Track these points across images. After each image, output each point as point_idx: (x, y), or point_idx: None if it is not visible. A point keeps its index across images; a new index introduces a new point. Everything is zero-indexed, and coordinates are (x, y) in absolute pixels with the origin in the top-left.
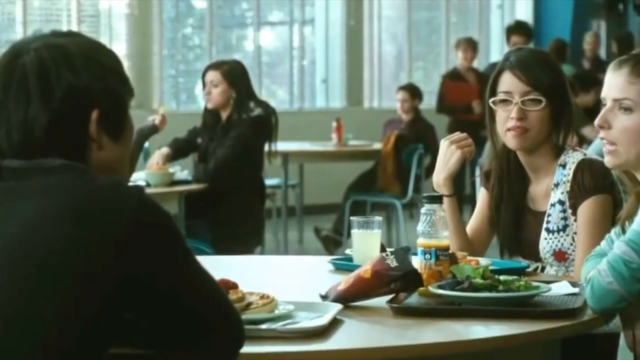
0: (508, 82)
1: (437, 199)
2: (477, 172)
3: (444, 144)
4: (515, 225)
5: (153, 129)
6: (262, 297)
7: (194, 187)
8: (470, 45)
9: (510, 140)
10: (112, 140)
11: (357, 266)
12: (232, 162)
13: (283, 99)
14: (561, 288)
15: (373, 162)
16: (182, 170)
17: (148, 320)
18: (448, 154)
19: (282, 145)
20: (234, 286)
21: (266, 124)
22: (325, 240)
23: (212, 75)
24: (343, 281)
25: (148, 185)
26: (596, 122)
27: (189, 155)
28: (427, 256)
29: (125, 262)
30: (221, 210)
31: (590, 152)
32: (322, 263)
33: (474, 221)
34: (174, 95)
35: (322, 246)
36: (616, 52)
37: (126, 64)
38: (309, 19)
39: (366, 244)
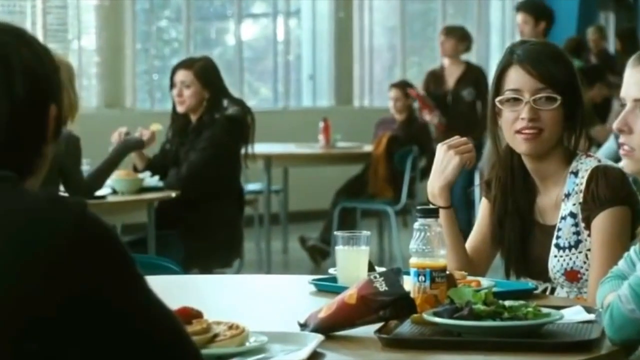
0: (517, 78)
1: (432, 213)
2: (477, 179)
3: (440, 149)
4: (522, 241)
5: (138, 145)
6: (231, 327)
7: (165, 194)
8: (452, 36)
9: (520, 144)
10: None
11: (342, 288)
12: (206, 167)
13: (266, 96)
14: (575, 314)
15: (363, 165)
16: (152, 176)
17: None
18: (445, 160)
19: (265, 147)
20: (198, 315)
21: (242, 123)
22: (312, 251)
23: (184, 75)
24: (324, 307)
25: (114, 192)
26: (615, 125)
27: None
28: (421, 278)
29: (60, 289)
30: (195, 219)
31: (601, 155)
32: (302, 283)
33: (474, 236)
34: (148, 94)
35: (308, 257)
36: (619, 48)
37: (96, 60)
38: (294, 10)
39: (352, 262)
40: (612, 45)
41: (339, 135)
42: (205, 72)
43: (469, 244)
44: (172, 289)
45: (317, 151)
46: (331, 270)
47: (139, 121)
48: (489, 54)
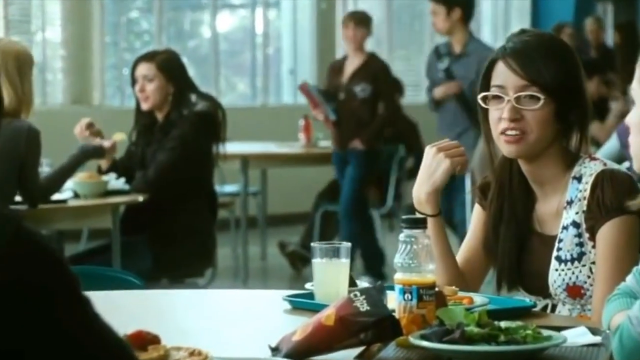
0: (501, 74)
1: (419, 223)
2: (468, 183)
3: (429, 152)
4: (518, 252)
5: (99, 152)
6: (192, 353)
7: (131, 198)
8: (349, 20)
9: (503, 146)
10: None
11: (320, 305)
12: (175, 168)
13: (244, 92)
14: (579, 336)
15: None
16: (117, 179)
17: None
18: (434, 163)
19: (242, 147)
20: (154, 340)
21: (212, 120)
22: (292, 257)
23: (146, 69)
24: (299, 329)
25: (77, 196)
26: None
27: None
28: (407, 296)
29: None
30: (163, 225)
31: (604, 158)
32: (275, 300)
33: (467, 247)
34: (118, 89)
35: (288, 263)
36: (618, 41)
37: (61, 53)
38: (274, 1)
39: (331, 276)
40: (610, 38)
41: (321, 134)
42: (169, 65)
43: (461, 255)
44: (131, 306)
45: (298, 151)
46: (308, 286)
47: (107, 119)
48: None
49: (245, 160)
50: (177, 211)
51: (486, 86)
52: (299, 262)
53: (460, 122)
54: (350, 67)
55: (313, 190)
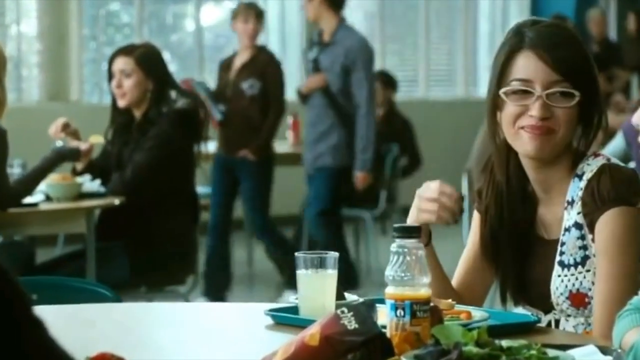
0: (528, 66)
1: (412, 232)
2: (465, 184)
3: (429, 189)
4: (520, 261)
5: (74, 155)
6: None
7: (107, 201)
8: (254, 15)
9: (526, 142)
10: None
11: (305, 320)
12: (153, 169)
13: None
14: (587, 356)
15: None
16: (92, 180)
17: None
18: (414, 211)
19: None
20: None
21: (193, 118)
22: (280, 262)
23: (123, 63)
24: (280, 349)
25: (49, 199)
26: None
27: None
28: (400, 312)
29: None
30: (142, 229)
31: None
32: (256, 314)
33: (468, 258)
34: (96, 85)
35: (276, 269)
36: (634, 28)
37: (37, 47)
38: None
39: (317, 289)
40: (613, 31)
41: None
42: (148, 60)
43: (461, 269)
44: (100, 323)
45: (285, 150)
46: (291, 299)
47: (85, 116)
48: (477, 41)
49: None
50: (156, 215)
51: (502, 80)
52: (287, 267)
53: (325, 120)
54: (239, 61)
55: (301, 192)
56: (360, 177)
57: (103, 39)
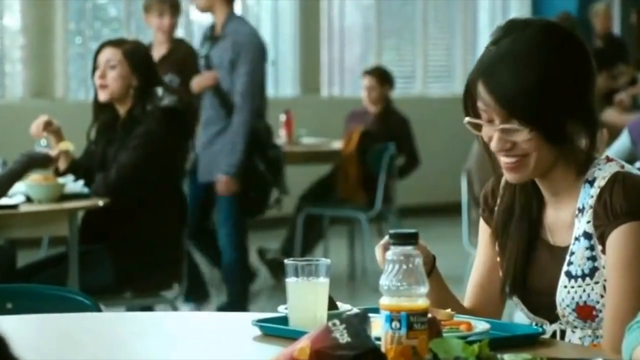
0: (482, 97)
1: (409, 238)
2: (464, 185)
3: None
4: (525, 259)
5: (45, 161)
6: None
7: (90, 202)
8: (171, 9)
9: (505, 172)
10: None
11: (295, 332)
12: (139, 169)
13: None
14: None
15: (332, 165)
16: (75, 181)
17: None
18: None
19: None
20: None
21: (181, 116)
22: (272, 265)
23: (110, 53)
24: None
25: (29, 200)
26: None
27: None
28: (395, 324)
29: None
30: (127, 232)
31: (612, 155)
32: (244, 324)
33: (479, 272)
34: (82, 81)
35: (268, 272)
36: (636, 23)
37: (21, 42)
38: None
39: (308, 299)
40: (617, 27)
41: (304, 130)
42: (136, 55)
43: (473, 286)
44: (76, 334)
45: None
46: (281, 309)
47: (71, 114)
48: (477, 35)
49: None
50: (141, 217)
51: (468, 105)
52: (280, 271)
53: (218, 121)
54: (155, 56)
55: (295, 192)
56: (222, 182)
57: (89, 34)
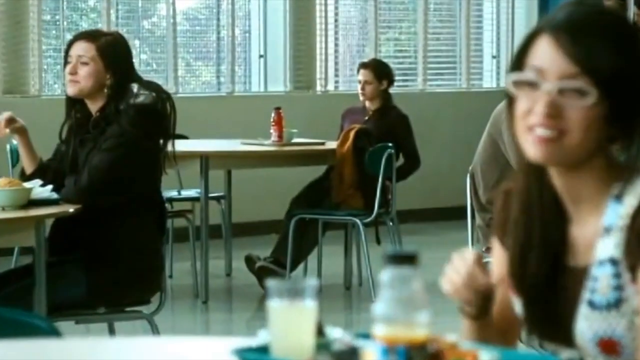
0: (544, 52)
1: (407, 259)
2: (468, 188)
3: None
4: (545, 289)
5: None
6: None
7: (60, 209)
8: None
9: (530, 146)
10: None
11: None
12: (113, 172)
13: (207, 80)
14: None
15: (326, 167)
16: (43, 186)
17: None
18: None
19: (203, 144)
20: None
21: (157, 114)
22: (261, 274)
23: (83, 49)
24: None
25: None
26: None
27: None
28: (393, 358)
29: None
30: (100, 241)
31: None
32: (221, 354)
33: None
34: (59, 76)
35: (257, 281)
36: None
37: None
38: None
39: (292, 325)
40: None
41: (296, 129)
42: (112, 51)
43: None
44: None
45: (268, 149)
46: (262, 335)
47: (46, 111)
48: (482, 27)
49: (206, 160)
50: (116, 225)
51: (518, 68)
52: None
53: None
54: None
55: (286, 195)
56: None
57: (66, 25)
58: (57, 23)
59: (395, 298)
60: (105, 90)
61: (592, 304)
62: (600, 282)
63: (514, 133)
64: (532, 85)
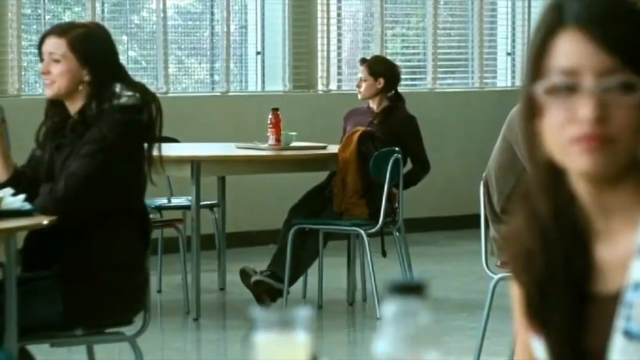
0: (572, 50)
1: (414, 290)
2: (482, 195)
3: None
4: (572, 322)
5: None
6: None
7: (34, 221)
8: None
9: (578, 158)
10: None
11: None
12: (92, 180)
13: (200, 79)
14: None
15: (327, 173)
16: (14, 195)
17: None
18: None
19: (195, 148)
20: None
21: (142, 116)
22: (258, 289)
23: (53, 45)
24: None
25: None
26: None
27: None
28: None
29: None
30: (78, 256)
31: None
32: None
33: (523, 348)
34: (39, 75)
35: (253, 297)
36: None
37: None
38: None
39: None
40: None
41: (295, 132)
42: (85, 44)
43: None
44: None
45: (265, 153)
46: None
47: (27, 111)
48: (495, 22)
49: (197, 166)
50: (95, 238)
51: (539, 74)
52: (267, 295)
53: None
54: None
55: (285, 204)
56: None
57: (48, 19)
58: (39, 17)
59: (399, 335)
60: (81, 88)
61: (628, 334)
62: (636, 308)
63: (533, 148)
64: (566, 90)
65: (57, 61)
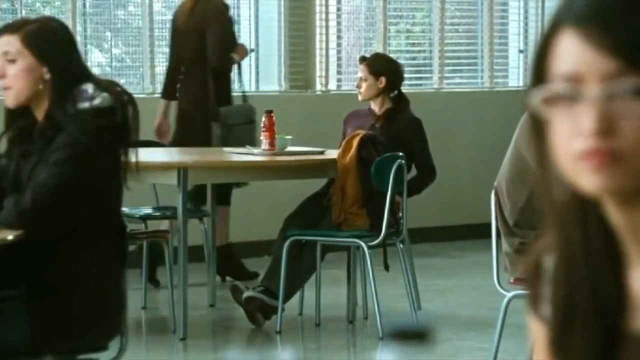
0: (571, 53)
1: (417, 337)
2: (493, 206)
3: None
4: None
5: None
6: None
7: None
8: None
9: (584, 176)
10: None
11: None
12: (62, 190)
13: None
14: None
15: (326, 180)
16: None
17: None
18: None
19: (183, 153)
20: None
21: (116, 119)
22: (250, 305)
23: (7, 43)
24: None
25: None
26: None
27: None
28: None
29: None
30: (47, 274)
31: None
32: None
33: None
34: None
35: (245, 314)
36: None
37: None
38: None
39: None
40: None
41: (291, 136)
42: (42, 38)
43: None
44: None
45: (258, 159)
46: None
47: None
48: (507, 18)
49: (184, 172)
50: (65, 255)
51: (540, 78)
52: (260, 313)
53: None
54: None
55: (280, 213)
56: None
57: (25, 14)
58: (15, 12)
59: None
60: (41, 87)
61: None
62: None
63: (545, 160)
64: (568, 99)
65: (12, 61)
